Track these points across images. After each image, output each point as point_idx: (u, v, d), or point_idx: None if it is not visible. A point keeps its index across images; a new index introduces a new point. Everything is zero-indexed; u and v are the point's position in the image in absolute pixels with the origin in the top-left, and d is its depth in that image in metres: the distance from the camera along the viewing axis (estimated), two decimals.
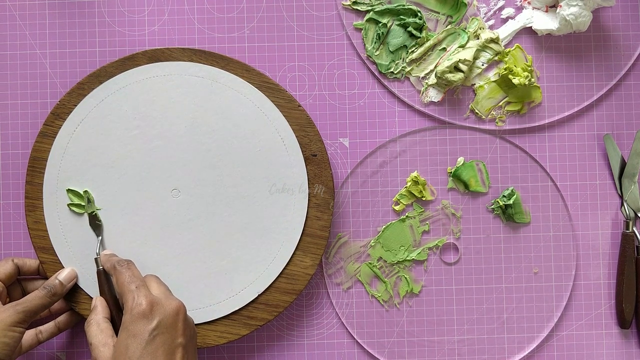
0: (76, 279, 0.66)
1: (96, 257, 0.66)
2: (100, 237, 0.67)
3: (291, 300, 0.68)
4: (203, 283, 0.68)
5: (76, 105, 0.68)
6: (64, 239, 0.67)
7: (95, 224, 0.67)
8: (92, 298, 0.67)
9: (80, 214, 0.68)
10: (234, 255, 0.68)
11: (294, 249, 0.68)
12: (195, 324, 0.67)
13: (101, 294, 0.65)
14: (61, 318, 0.67)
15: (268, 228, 0.68)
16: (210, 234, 0.68)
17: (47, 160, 0.68)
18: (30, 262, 0.67)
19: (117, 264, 0.62)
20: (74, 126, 0.68)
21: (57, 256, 0.67)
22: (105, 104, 0.68)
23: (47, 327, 0.67)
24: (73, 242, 0.67)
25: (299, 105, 0.68)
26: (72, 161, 0.68)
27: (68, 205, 0.68)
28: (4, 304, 0.64)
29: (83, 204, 0.67)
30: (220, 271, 0.68)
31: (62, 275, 0.65)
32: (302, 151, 0.68)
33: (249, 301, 0.68)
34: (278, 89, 0.68)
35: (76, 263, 0.67)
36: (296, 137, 0.68)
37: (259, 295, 0.68)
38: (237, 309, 0.68)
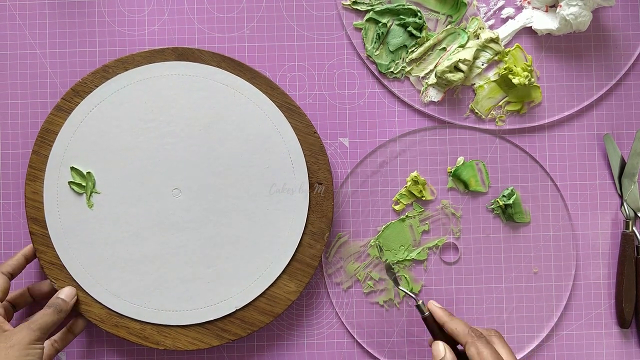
0: (76, 296, 0.66)
1: (418, 302, 0.65)
2: (408, 291, 0.67)
3: (267, 321, 0.68)
4: (184, 287, 0.67)
5: (97, 87, 0.68)
6: (58, 214, 0.67)
7: (391, 272, 0.68)
8: (71, 285, 0.67)
9: (79, 194, 0.68)
10: (221, 265, 0.68)
11: (280, 271, 0.68)
12: (169, 326, 0.67)
13: (435, 338, 0.64)
14: (72, 323, 0.68)
15: (260, 246, 0.68)
16: (202, 239, 0.68)
17: (57, 134, 0.68)
18: (14, 260, 0.67)
19: (474, 333, 0.61)
20: (91, 106, 0.68)
21: (47, 229, 0.67)
22: (126, 91, 0.68)
23: (61, 335, 0.67)
24: (65, 219, 0.67)
25: (315, 132, 0.68)
26: (81, 140, 0.68)
27: (69, 182, 0.68)
28: (10, 319, 0.65)
29: (84, 184, 0.68)
30: (204, 278, 0.68)
31: (63, 294, 0.65)
32: (309, 177, 0.68)
33: (225, 314, 0.67)
34: (298, 112, 0.68)
35: (64, 241, 0.67)
36: (306, 162, 0.68)
37: (236, 310, 0.68)
38: (212, 319, 0.67)
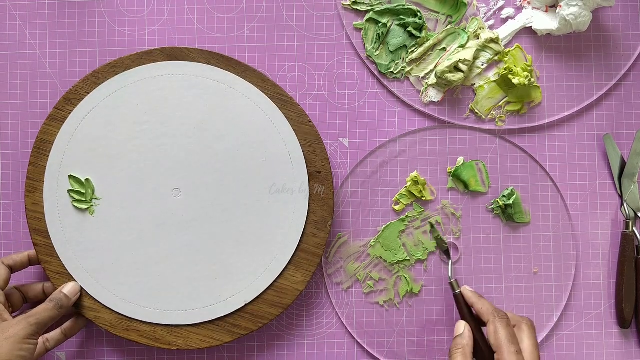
0: (80, 293, 0.67)
1: (451, 280, 0.67)
2: (451, 261, 0.68)
3: (277, 313, 0.68)
4: (192, 285, 0.67)
5: (89, 93, 0.68)
6: (60, 223, 0.67)
7: (443, 246, 0.69)
8: (76, 285, 0.67)
9: (79, 201, 0.67)
10: (226, 261, 0.68)
11: (286, 262, 0.68)
12: (180, 325, 0.67)
13: (462, 318, 0.66)
14: (67, 325, 0.67)
15: (264, 239, 0.68)
16: (205, 237, 0.68)
17: (53, 144, 0.68)
18: (19, 256, 0.67)
19: (497, 313, 0.62)
20: (84, 113, 0.68)
21: (50, 239, 0.67)
22: (117, 95, 0.68)
23: (54, 335, 0.66)
24: (68, 228, 0.67)
25: (309, 121, 0.68)
26: (77, 148, 0.68)
27: (68, 191, 0.67)
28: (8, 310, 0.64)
29: (83, 191, 0.67)
30: (211, 276, 0.67)
31: (67, 288, 0.66)
32: (307, 167, 0.68)
33: (235, 309, 0.67)
34: (291, 102, 0.68)
35: (69, 249, 0.67)
36: (303, 152, 0.68)
37: (245, 305, 0.68)
38: (222, 315, 0.67)
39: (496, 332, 0.61)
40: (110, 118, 0.68)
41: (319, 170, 0.68)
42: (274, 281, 0.68)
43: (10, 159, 0.71)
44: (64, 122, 0.68)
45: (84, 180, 0.68)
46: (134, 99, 0.68)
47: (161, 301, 0.67)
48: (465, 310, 0.65)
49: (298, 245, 0.68)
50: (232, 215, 0.68)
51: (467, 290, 0.66)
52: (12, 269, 0.66)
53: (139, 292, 0.67)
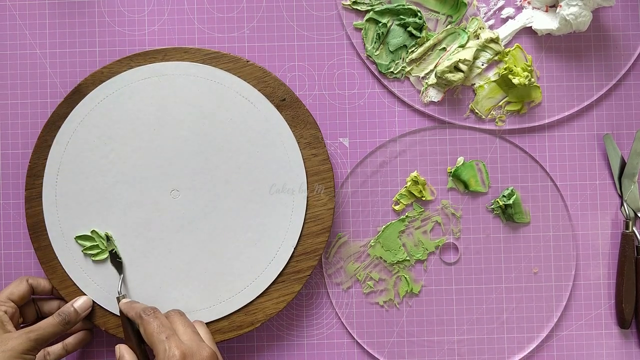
0: (90, 308, 0.66)
1: (118, 295, 0.66)
2: (122, 275, 0.67)
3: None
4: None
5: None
6: (91, 280, 0.67)
7: (117, 261, 0.67)
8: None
9: (97, 254, 0.67)
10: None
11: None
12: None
13: (125, 338, 0.64)
14: (70, 340, 0.67)
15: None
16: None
17: (44, 222, 0.67)
18: (45, 282, 0.67)
19: (143, 312, 0.60)
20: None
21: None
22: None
23: (55, 349, 0.66)
24: (99, 281, 0.67)
25: (247, 61, 0.68)
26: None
27: (83, 252, 0.67)
28: (17, 325, 0.63)
29: (95, 243, 0.67)
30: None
31: (78, 303, 0.65)
32: (270, 101, 0.68)
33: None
34: (222, 55, 0.68)
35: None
36: (258, 90, 0.68)
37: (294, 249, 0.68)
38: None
39: (145, 330, 0.58)
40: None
41: (283, 98, 0.67)
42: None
43: (10, 159, 0.71)
44: (41, 199, 0.67)
45: (90, 234, 0.67)
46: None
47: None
48: (129, 328, 0.63)
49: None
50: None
51: (122, 304, 0.64)
52: (34, 291, 0.66)
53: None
